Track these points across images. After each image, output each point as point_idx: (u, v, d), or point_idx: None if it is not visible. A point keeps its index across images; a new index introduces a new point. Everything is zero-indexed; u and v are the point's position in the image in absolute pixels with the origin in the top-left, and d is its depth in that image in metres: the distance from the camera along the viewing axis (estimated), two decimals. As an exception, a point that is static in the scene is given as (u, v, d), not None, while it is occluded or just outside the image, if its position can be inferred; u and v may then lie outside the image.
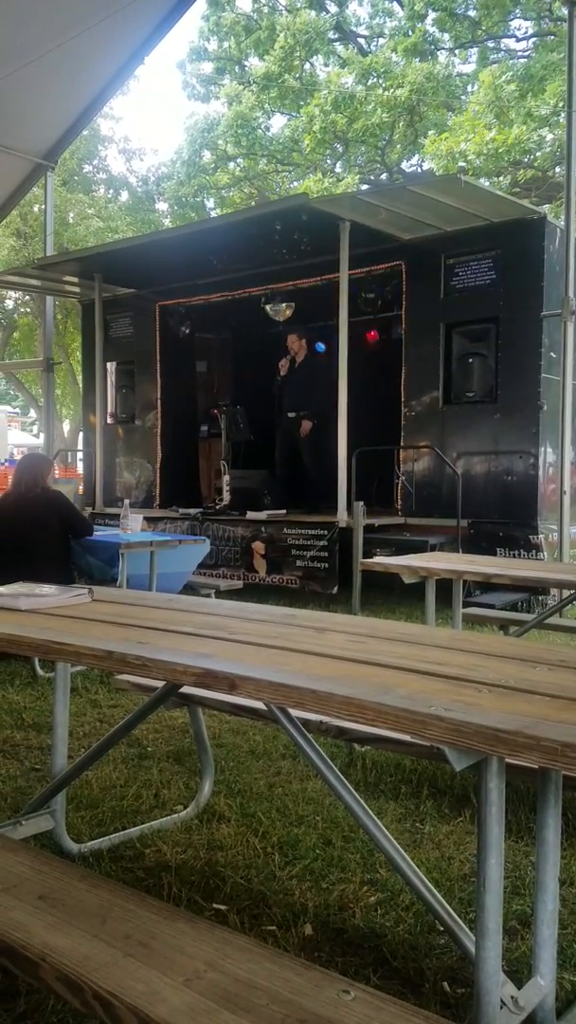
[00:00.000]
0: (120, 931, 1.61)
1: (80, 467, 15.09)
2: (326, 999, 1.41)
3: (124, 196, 23.45)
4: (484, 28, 18.87)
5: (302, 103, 19.75)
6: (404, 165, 21.03)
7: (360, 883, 2.48)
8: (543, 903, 1.78)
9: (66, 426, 25.65)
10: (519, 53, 19.22)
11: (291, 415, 8.73)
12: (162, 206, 23.35)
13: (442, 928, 2.08)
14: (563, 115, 11.83)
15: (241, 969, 1.49)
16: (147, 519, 7.11)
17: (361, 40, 21.33)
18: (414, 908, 2.32)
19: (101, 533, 5.70)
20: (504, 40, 19.71)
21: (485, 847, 1.53)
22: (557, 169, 17.21)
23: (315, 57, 20.73)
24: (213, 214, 22.01)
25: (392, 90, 17.94)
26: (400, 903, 2.36)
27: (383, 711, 1.46)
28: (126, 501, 7.19)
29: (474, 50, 19.80)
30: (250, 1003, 1.39)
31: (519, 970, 2.02)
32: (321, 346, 9.06)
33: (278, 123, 21.87)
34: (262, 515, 7.91)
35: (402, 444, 7.91)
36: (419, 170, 20.52)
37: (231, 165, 22.28)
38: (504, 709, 1.45)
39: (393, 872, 2.42)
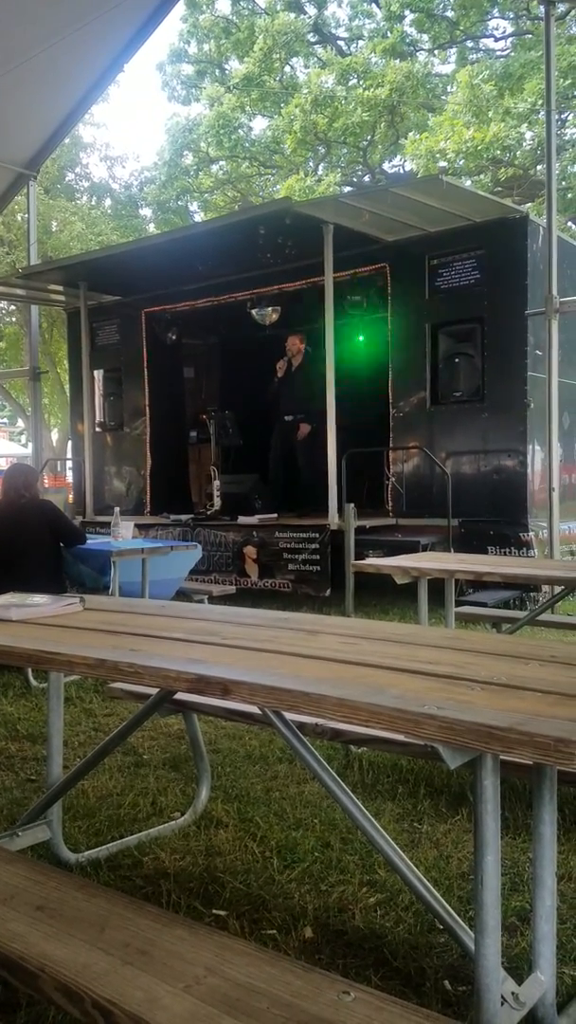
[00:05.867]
0: (119, 939, 1.60)
1: (69, 476, 15.05)
2: (327, 1001, 1.41)
3: (107, 202, 23.45)
4: (462, 28, 18.96)
5: (283, 105, 19.80)
6: (386, 166, 21.10)
7: (359, 884, 2.48)
8: (541, 899, 1.78)
9: (54, 435, 25.59)
10: (498, 52, 19.33)
11: (288, 418, 8.72)
12: (146, 212, 23.34)
13: (442, 927, 2.08)
14: (542, 112, 11.88)
15: (241, 974, 1.49)
16: (138, 526, 7.09)
17: (341, 42, 21.40)
18: (413, 908, 2.32)
19: (92, 541, 5.69)
20: (483, 40, 19.81)
21: (482, 845, 1.54)
22: (538, 167, 17.29)
23: (295, 59, 20.79)
24: (197, 218, 22.02)
25: (372, 89, 18.00)
26: (399, 903, 2.37)
27: (377, 712, 1.47)
28: (116, 509, 7.18)
29: (453, 50, 19.90)
30: (251, 1007, 1.39)
31: (519, 966, 2.03)
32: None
33: (259, 126, 21.96)
34: (253, 519, 7.91)
35: (391, 445, 7.93)
36: (401, 171, 20.59)
37: (214, 168, 22.30)
38: (497, 706, 1.46)
39: (392, 872, 2.42)
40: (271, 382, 8.96)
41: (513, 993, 1.65)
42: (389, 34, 18.93)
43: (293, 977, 1.47)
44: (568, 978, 2.03)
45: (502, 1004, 1.59)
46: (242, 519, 7.97)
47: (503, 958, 1.62)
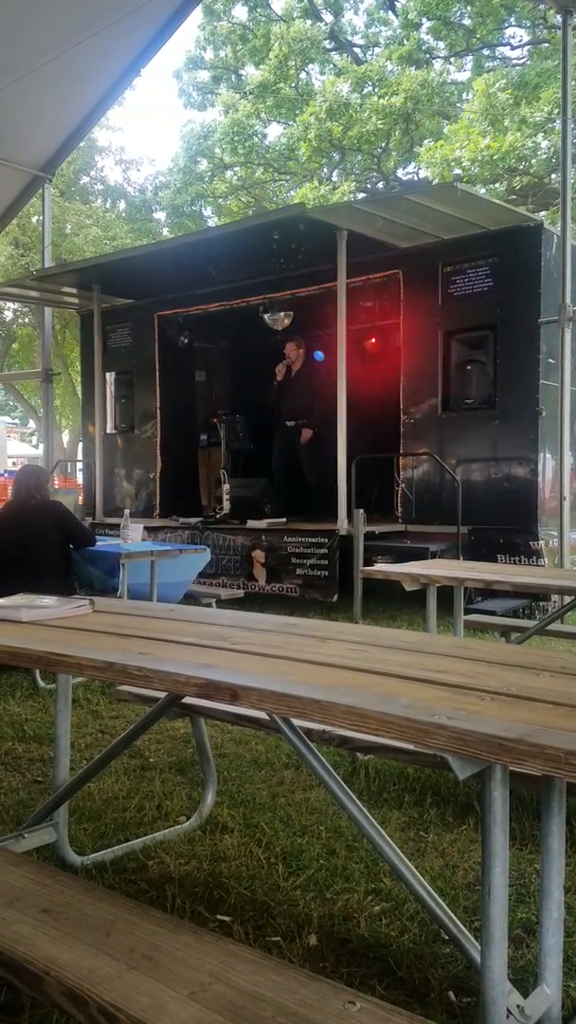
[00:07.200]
0: (124, 944, 1.60)
1: (80, 477, 15.10)
2: (332, 1010, 1.40)
3: (122, 205, 23.54)
4: (479, 36, 18.96)
5: (298, 112, 19.84)
6: (400, 173, 21.10)
7: (364, 893, 2.47)
8: (548, 911, 1.77)
9: (65, 436, 25.67)
10: (514, 61, 19.31)
11: (290, 423, 8.73)
12: (160, 216, 23.43)
13: (447, 937, 2.07)
14: (558, 122, 11.88)
15: (246, 981, 1.48)
16: (147, 529, 7.10)
17: (357, 49, 21.44)
18: (419, 917, 2.31)
19: (101, 543, 5.70)
20: (499, 48, 19.81)
21: (489, 855, 1.53)
22: (553, 176, 17.27)
23: (311, 66, 20.84)
24: (211, 223, 22.08)
25: (387, 97, 18.01)
26: (405, 912, 2.36)
27: (386, 720, 1.46)
28: (126, 511, 7.19)
29: (469, 58, 19.90)
30: (256, 1015, 1.38)
31: (525, 979, 2.01)
32: (320, 355, 9.05)
33: (274, 132, 22.00)
34: (262, 524, 7.91)
35: (401, 451, 7.92)
36: (415, 178, 20.59)
37: (228, 174, 22.36)
38: (507, 717, 1.45)
39: (397, 881, 2.41)
40: (269, 386, 8.98)
41: (519, 1006, 1.64)
42: (405, 42, 18.94)
43: (298, 986, 1.47)
44: (574, 991, 2.02)
45: (507, 1017, 1.58)
46: (251, 523, 7.97)
47: (508, 970, 1.61)
